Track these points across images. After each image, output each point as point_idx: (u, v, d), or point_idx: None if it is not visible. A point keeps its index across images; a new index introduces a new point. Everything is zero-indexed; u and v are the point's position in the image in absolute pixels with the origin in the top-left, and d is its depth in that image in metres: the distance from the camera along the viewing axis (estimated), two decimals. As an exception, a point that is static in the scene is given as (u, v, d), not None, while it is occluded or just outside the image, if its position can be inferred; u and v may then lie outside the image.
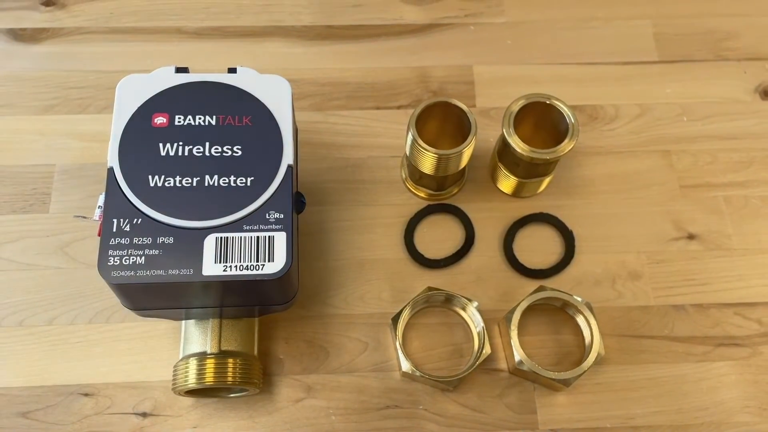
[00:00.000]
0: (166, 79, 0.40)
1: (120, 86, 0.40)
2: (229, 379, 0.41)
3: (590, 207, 0.52)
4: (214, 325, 0.43)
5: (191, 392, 0.44)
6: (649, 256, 0.51)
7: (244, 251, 0.36)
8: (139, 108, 0.39)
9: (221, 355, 0.42)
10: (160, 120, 0.39)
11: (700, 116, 0.56)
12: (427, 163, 0.47)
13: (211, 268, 0.36)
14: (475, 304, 0.46)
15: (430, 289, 0.47)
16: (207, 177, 0.38)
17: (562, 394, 0.47)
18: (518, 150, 0.46)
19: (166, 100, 0.39)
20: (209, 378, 0.41)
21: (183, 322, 0.44)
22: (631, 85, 0.57)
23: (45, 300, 0.48)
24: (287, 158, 0.39)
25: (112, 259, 0.35)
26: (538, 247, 0.51)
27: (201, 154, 0.38)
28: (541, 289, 0.47)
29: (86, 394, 0.46)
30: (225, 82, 0.40)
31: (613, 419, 0.46)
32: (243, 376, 0.42)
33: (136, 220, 0.36)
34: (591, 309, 0.46)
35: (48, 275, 0.49)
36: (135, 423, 0.45)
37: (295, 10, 0.59)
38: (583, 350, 0.48)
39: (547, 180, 0.51)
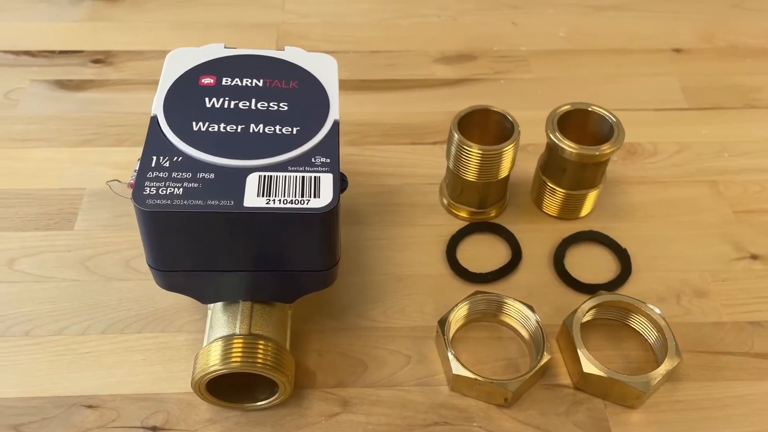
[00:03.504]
0: (215, 51, 0.40)
1: (169, 56, 0.40)
2: (259, 362, 0.36)
3: (640, 229, 0.50)
4: (245, 307, 0.38)
5: (212, 391, 0.38)
6: (713, 274, 0.47)
7: (288, 187, 0.34)
8: (188, 71, 0.39)
9: (251, 337, 0.37)
10: (207, 80, 0.39)
11: (740, 152, 0.55)
12: (471, 164, 0.45)
13: (253, 200, 0.33)
14: (530, 308, 0.42)
15: (478, 292, 0.43)
16: (252, 125, 0.36)
17: (637, 412, 0.40)
18: (566, 148, 0.45)
19: (214, 66, 0.39)
20: (236, 359, 0.36)
21: (210, 310, 0.39)
22: (666, 127, 0.57)
23: (57, 311, 0.44)
24: (333, 115, 0.37)
25: (149, 189, 0.33)
26: (590, 265, 0.47)
27: (247, 108, 0.37)
28: (601, 294, 0.43)
29: (90, 406, 0.40)
30: (273, 56, 0.41)
31: (702, 441, 0.39)
32: (275, 362, 0.36)
33: (176, 158, 0.34)
34: (661, 314, 0.42)
35: (63, 287, 0.45)
36: (142, 437, 0.39)
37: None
38: (653, 364, 0.42)
39: (593, 196, 0.49)
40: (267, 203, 0.33)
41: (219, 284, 0.37)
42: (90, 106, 0.57)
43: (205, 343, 0.38)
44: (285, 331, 0.39)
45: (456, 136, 0.45)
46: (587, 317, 0.42)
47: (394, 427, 0.39)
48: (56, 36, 0.64)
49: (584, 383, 0.40)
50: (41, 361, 0.42)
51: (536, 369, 0.39)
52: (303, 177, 0.34)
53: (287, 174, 0.34)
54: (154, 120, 0.36)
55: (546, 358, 0.40)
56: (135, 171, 0.38)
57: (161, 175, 0.34)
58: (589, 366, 0.39)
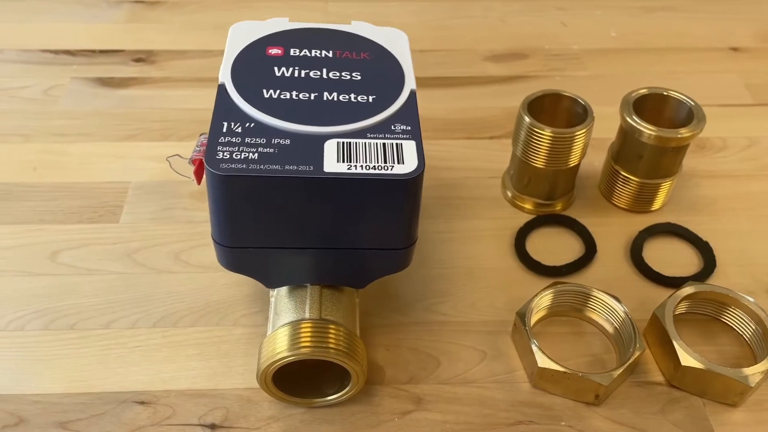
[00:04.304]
0: (279, 24, 0.38)
1: (233, 28, 0.38)
2: (331, 346, 0.33)
3: (718, 223, 0.47)
4: (313, 291, 0.35)
5: (278, 383, 0.35)
6: (804, 268, 0.44)
7: (369, 153, 0.31)
8: (253, 41, 0.37)
9: (322, 321, 0.34)
10: (274, 51, 0.36)
11: (815, 147, 0.53)
12: (542, 149, 0.43)
13: (333, 165, 0.30)
14: (616, 299, 0.39)
15: (558, 283, 0.40)
16: (326, 93, 0.34)
17: (738, 410, 0.37)
18: (645, 131, 0.42)
19: (280, 37, 0.37)
20: (306, 344, 0.33)
21: (272, 298, 0.36)
22: (734, 122, 0.55)
23: (103, 304, 0.41)
24: (410, 84, 0.35)
25: (222, 153, 0.30)
26: (669, 258, 0.44)
27: (318, 77, 0.35)
28: (692, 284, 0.40)
29: (141, 402, 0.36)
30: (340, 29, 0.39)
31: (815, 443, 0.36)
32: (347, 348, 0.33)
33: (248, 124, 0.32)
34: (759, 306, 0.38)
35: (110, 280, 0.42)
36: (200, 436, 0.35)
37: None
38: (750, 360, 0.39)
39: (668, 186, 0.46)
40: (348, 168, 0.30)
41: (288, 264, 0.34)
42: (133, 102, 0.55)
43: (269, 332, 0.35)
44: (354, 319, 0.36)
45: (526, 119, 0.43)
46: (679, 310, 0.39)
47: (473, 426, 0.36)
48: (96, 36, 0.62)
49: (681, 379, 0.37)
50: (88, 355, 0.38)
51: (630, 362, 0.36)
52: (384, 143, 0.32)
53: (367, 140, 0.32)
54: (221, 88, 0.34)
55: (639, 350, 0.36)
56: (197, 146, 0.35)
57: (234, 140, 0.31)
58: (687, 359, 0.36)
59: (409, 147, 0.32)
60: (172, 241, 0.45)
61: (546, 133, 0.42)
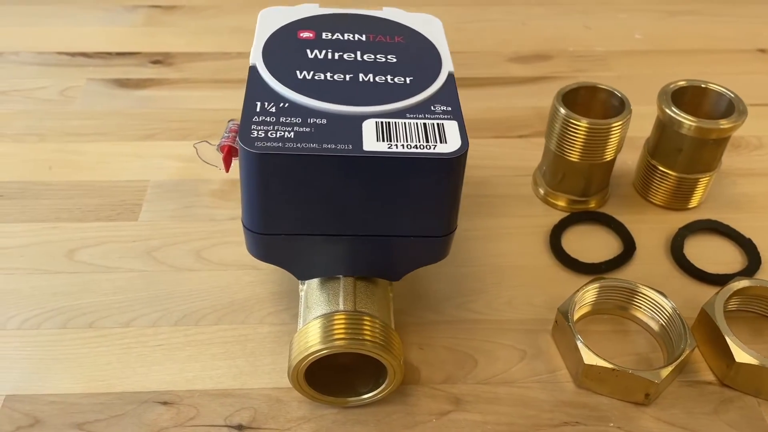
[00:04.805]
0: (310, 9, 0.37)
1: (262, 14, 0.37)
2: (367, 338, 0.31)
3: (757, 221, 0.45)
4: (347, 283, 0.33)
5: (310, 382, 0.33)
6: None
7: (410, 133, 0.29)
8: (284, 26, 0.36)
9: (356, 313, 0.32)
10: (306, 35, 0.35)
11: None
12: (578, 141, 0.41)
13: (373, 144, 0.29)
14: (663, 295, 0.37)
15: (600, 278, 0.38)
16: (361, 75, 0.32)
17: (797, 411, 0.35)
18: (685, 122, 0.41)
19: (311, 22, 0.36)
20: (340, 337, 0.31)
21: (302, 292, 0.35)
22: (767, 121, 0.53)
23: (123, 302, 0.39)
24: (447, 67, 0.34)
25: (256, 132, 0.29)
26: (711, 256, 0.42)
27: (352, 59, 0.34)
28: (740, 279, 0.38)
29: (164, 403, 0.34)
30: (372, 14, 0.37)
31: None
32: (384, 341, 0.31)
33: (282, 104, 0.30)
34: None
35: (129, 277, 0.41)
36: (227, 437, 0.33)
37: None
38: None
39: (706, 182, 0.44)
40: (389, 147, 0.29)
41: (322, 253, 0.32)
42: (150, 102, 0.54)
43: (300, 326, 0.33)
44: (389, 313, 0.34)
45: (562, 110, 0.41)
46: (729, 306, 0.37)
47: (516, 427, 0.34)
48: (112, 39, 0.62)
49: (734, 377, 0.35)
50: (107, 354, 0.37)
51: (681, 359, 0.34)
52: (425, 123, 0.30)
53: (407, 120, 0.30)
54: (253, 69, 0.33)
55: (690, 347, 0.35)
56: (226, 133, 0.34)
57: (268, 119, 0.30)
58: (741, 355, 0.34)
59: (451, 127, 0.30)
60: (193, 239, 0.43)
61: (582, 124, 0.41)
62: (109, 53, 0.60)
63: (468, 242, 0.43)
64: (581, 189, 0.44)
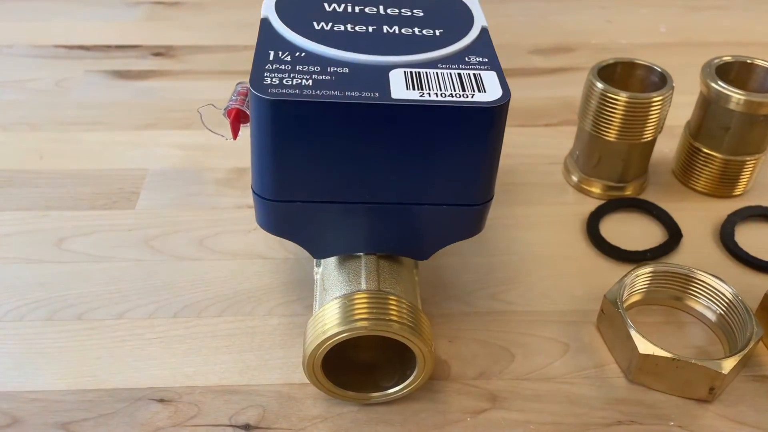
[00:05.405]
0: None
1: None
2: (394, 319, 0.27)
3: (813, 209, 0.41)
4: (369, 261, 0.30)
5: (329, 373, 0.28)
6: None
7: (444, 82, 0.26)
8: (297, -16, 0.32)
9: (380, 292, 0.28)
10: (322, -10, 0.32)
11: None
12: (616, 117, 0.38)
13: (402, 92, 0.25)
14: (722, 281, 0.33)
15: (648, 263, 0.34)
16: (385, 27, 0.29)
17: None
18: (733, 95, 0.37)
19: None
20: (363, 317, 0.27)
21: (318, 275, 0.31)
22: (808, 110, 0.50)
23: (116, 292, 0.35)
24: (480, 21, 0.30)
25: (270, 79, 0.25)
26: (762, 243, 0.39)
27: (375, 13, 0.30)
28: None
29: (160, 400, 0.30)
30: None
31: None
32: (413, 322, 0.27)
33: (298, 53, 0.27)
34: None
35: (124, 267, 0.37)
36: (232, 438, 0.29)
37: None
38: None
39: (754, 165, 0.40)
40: (421, 96, 0.25)
41: (341, 225, 0.28)
42: (152, 93, 0.51)
43: (316, 311, 0.29)
44: (416, 297, 0.30)
45: (599, 85, 0.38)
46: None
47: (564, 427, 0.30)
48: (112, 33, 0.59)
49: (808, 370, 0.31)
50: (97, 348, 0.32)
51: (749, 348, 0.30)
52: (460, 74, 0.27)
53: (440, 70, 0.27)
54: (264, 21, 0.29)
55: (757, 335, 0.30)
56: (233, 95, 0.31)
57: (283, 67, 0.26)
58: (818, 343, 0.30)
59: (490, 77, 0.27)
60: (197, 227, 0.39)
61: (621, 98, 0.37)
62: (109, 46, 0.57)
63: (497, 231, 0.40)
64: (618, 174, 0.41)
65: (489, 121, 0.26)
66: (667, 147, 0.45)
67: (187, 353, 0.32)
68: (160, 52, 0.56)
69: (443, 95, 0.25)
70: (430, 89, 0.26)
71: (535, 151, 0.46)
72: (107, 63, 0.54)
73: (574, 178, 0.42)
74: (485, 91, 0.26)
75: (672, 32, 0.60)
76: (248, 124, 0.28)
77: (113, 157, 0.44)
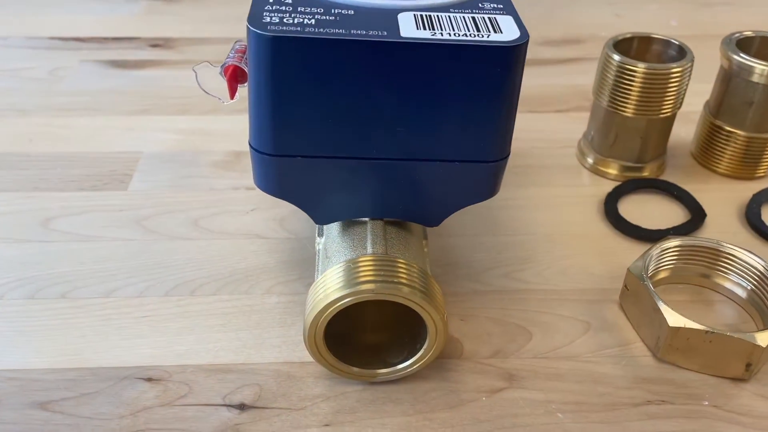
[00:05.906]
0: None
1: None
2: (404, 281, 0.25)
3: (842, 190, 0.39)
4: (375, 227, 0.27)
5: (333, 345, 0.26)
6: None
7: (456, 24, 0.24)
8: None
9: (388, 256, 0.26)
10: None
11: None
12: (633, 90, 0.36)
13: (412, 32, 0.23)
14: (753, 254, 0.31)
15: (674, 237, 0.32)
16: (392, -23, 0.27)
17: None
18: (757, 67, 0.36)
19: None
20: (369, 279, 0.24)
21: (320, 245, 0.29)
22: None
23: (104, 271, 0.33)
24: (493, -24, 0.29)
25: (269, 17, 0.23)
26: (794, 225, 0.37)
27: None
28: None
29: (148, 379, 0.28)
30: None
31: None
32: (424, 287, 0.25)
33: (299, -3, 0.25)
34: None
35: (114, 246, 0.34)
36: (226, 418, 0.26)
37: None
38: None
39: (780, 145, 0.39)
40: (433, 35, 0.23)
41: (345, 185, 0.26)
42: (148, 81, 0.49)
43: (317, 278, 0.27)
44: (424, 257, 0.28)
45: (615, 57, 0.36)
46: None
47: (588, 407, 0.27)
48: (109, 26, 0.57)
49: None
50: (82, 326, 0.30)
51: (788, 320, 0.28)
52: (474, 17, 0.25)
53: (452, 14, 0.25)
54: None
55: (796, 307, 0.28)
56: (231, 53, 0.29)
57: (284, 8, 0.24)
58: None
59: (506, 20, 0.25)
60: (191, 208, 0.37)
61: (639, 68, 0.36)
62: (105, 38, 0.55)
63: (509, 211, 0.37)
64: (636, 153, 0.39)
65: (506, 62, 0.24)
66: (684, 131, 0.43)
67: (178, 332, 0.30)
68: (158, 43, 0.55)
69: (457, 35, 0.24)
70: (442, 29, 0.24)
71: (546, 135, 0.44)
72: (103, 53, 0.53)
73: (590, 160, 0.40)
74: (502, 32, 0.24)
75: (683, 26, 0.59)
76: (246, 83, 0.26)
77: (106, 141, 0.43)
